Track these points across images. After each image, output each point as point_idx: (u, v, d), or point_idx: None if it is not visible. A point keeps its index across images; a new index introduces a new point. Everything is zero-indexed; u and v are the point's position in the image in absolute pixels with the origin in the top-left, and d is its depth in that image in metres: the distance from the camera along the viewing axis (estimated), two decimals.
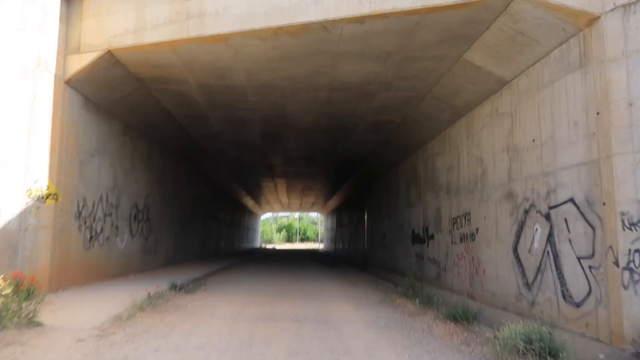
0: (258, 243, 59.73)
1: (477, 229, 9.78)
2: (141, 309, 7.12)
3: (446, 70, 9.30)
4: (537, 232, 7.51)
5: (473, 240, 10.01)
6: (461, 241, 10.70)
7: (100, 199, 10.62)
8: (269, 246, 64.84)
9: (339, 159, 19.82)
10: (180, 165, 17.89)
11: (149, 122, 12.78)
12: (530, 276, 7.60)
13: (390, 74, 9.69)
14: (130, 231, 12.62)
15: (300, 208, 51.94)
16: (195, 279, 12.43)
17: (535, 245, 7.51)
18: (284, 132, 15.00)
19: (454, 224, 11.26)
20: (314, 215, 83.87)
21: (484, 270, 9.36)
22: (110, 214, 11.20)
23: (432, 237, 13.00)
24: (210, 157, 19.29)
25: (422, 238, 14.01)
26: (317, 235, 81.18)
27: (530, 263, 7.58)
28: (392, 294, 10.39)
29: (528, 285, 7.67)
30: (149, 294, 7.94)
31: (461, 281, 10.56)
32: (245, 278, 14.36)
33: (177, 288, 9.64)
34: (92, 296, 8.20)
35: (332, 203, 39.75)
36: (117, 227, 11.58)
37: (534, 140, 7.64)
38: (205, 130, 14.84)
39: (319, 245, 65.85)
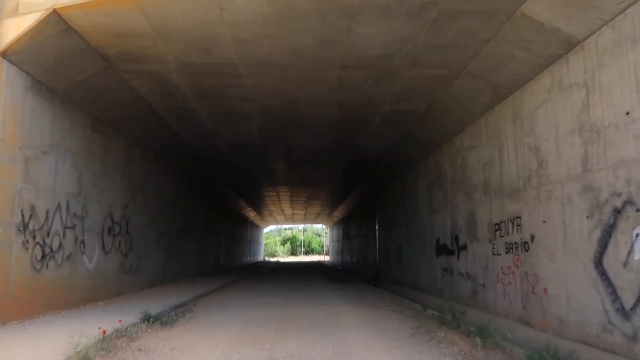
0: (261, 256, 57.53)
1: (533, 237, 7.65)
2: (86, 358, 4.98)
3: (493, 32, 7.22)
4: (638, 239, 5.39)
5: (526, 250, 7.88)
6: (507, 252, 8.57)
7: (58, 207, 8.51)
8: (273, 259, 62.65)
9: (348, 161, 17.71)
10: (168, 171, 15.82)
11: (125, 116, 10.72)
12: (628, 300, 5.45)
13: (419, 41, 7.62)
14: (103, 247, 10.49)
15: (305, 219, 49.74)
16: (181, 303, 10.28)
17: (637, 257, 5.38)
18: (286, 127, 12.92)
19: (495, 230, 9.13)
20: (318, 226, 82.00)
21: (545, 289, 7.22)
22: (74, 227, 9.08)
23: (464, 247, 10.87)
24: (204, 161, 17.22)
25: (450, 249, 11.88)
26: (322, 247, 79.11)
27: (628, 282, 5.44)
28: (425, 320, 8.21)
29: (624, 312, 5.51)
30: (103, 333, 5.79)
31: (509, 302, 8.42)
32: (243, 300, 12.18)
33: (151, 320, 7.49)
34: (30, 337, 6.05)
35: (339, 213, 37.59)
36: (83, 242, 9.45)
37: (628, 114, 5.55)
38: (195, 127, 12.77)
39: (324, 258, 63.60)
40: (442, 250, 12.51)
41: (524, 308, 7.84)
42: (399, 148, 14.71)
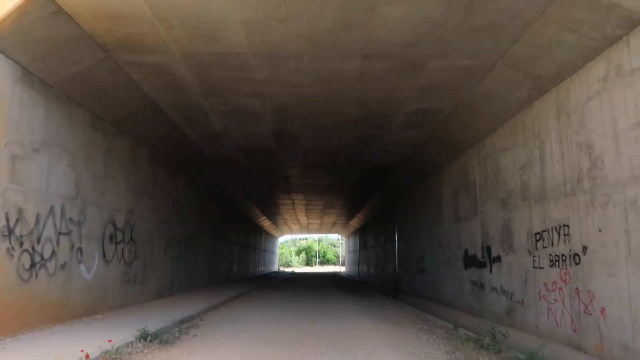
0: (276, 266, 56.67)
1: (585, 248, 6.63)
2: None
3: (539, 11, 6.28)
4: None
5: (576, 263, 6.86)
6: (553, 265, 7.54)
7: (51, 211, 7.75)
8: (288, 270, 61.74)
9: (366, 167, 16.79)
10: (178, 176, 15.09)
11: (128, 114, 9.99)
12: None
13: (452, 23, 6.71)
14: (104, 255, 9.72)
15: (320, 229, 48.77)
16: (187, 317, 9.42)
17: None
18: (301, 129, 12.08)
19: (537, 241, 8.11)
20: (334, 237, 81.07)
21: (602, 310, 6.20)
22: (69, 233, 8.32)
23: (497, 259, 9.85)
24: (215, 165, 16.47)
25: (480, 261, 10.85)
26: (338, 257, 78.02)
27: None
28: (460, 342, 7.21)
29: None
30: (86, 357, 4.95)
31: (554, 322, 7.38)
32: (255, 314, 11.29)
33: (149, 338, 6.63)
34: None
35: (355, 222, 36.59)
36: (80, 250, 8.68)
37: None
38: (204, 129, 12.01)
39: (340, 269, 62.47)
40: (471, 262, 11.48)
41: (574, 330, 6.81)
42: (422, 152, 13.76)
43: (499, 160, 9.77)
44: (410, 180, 17.12)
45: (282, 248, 76.24)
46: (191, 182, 16.67)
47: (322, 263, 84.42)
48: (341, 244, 71.58)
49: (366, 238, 33.65)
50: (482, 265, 10.76)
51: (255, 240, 36.42)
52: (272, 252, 51.59)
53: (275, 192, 24.17)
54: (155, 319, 8.60)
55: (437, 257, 14.46)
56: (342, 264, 64.30)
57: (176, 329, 8.04)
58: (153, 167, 12.69)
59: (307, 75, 8.56)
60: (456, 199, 12.63)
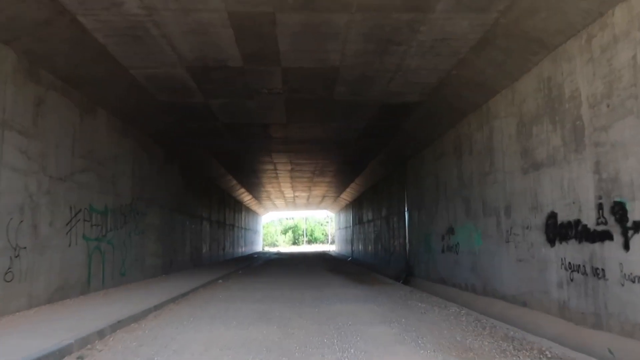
0: (260, 246, 51.96)
1: None
2: None
3: None
4: None
5: None
6: None
7: None
8: (273, 250, 57.16)
9: (376, 104, 11.80)
10: (98, 113, 9.94)
11: None
12: None
13: None
14: None
15: (308, 204, 43.83)
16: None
17: None
18: (278, 11, 7.03)
19: None
20: (321, 217, 77.04)
21: None
22: None
23: None
24: (159, 104, 11.32)
25: (593, 230, 6.29)
26: (326, 236, 73.85)
27: None
28: None
29: None
30: None
31: None
32: (204, 333, 6.39)
33: None
34: None
35: (348, 195, 31.81)
36: None
37: None
38: (113, 12, 6.89)
39: (329, 248, 58.14)
40: (568, 232, 6.84)
41: None
42: (469, 67, 8.83)
43: None
44: (434, 123, 12.25)
45: (267, 227, 71.94)
46: (126, 128, 11.54)
47: (309, 242, 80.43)
48: (329, 221, 67.39)
49: (362, 211, 28.91)
50: (599, 237, 6.12)
51: (233, 217, 31.41)
52: (255, 231, 46.69)
53: (252, 153, 19.05)
54: None
55: (484, 228, 9.79)
56: (332, 243, 60.05)
57: None
58: (36, 87, 7.59)
59: None
60: (527, 136, 7.90)
